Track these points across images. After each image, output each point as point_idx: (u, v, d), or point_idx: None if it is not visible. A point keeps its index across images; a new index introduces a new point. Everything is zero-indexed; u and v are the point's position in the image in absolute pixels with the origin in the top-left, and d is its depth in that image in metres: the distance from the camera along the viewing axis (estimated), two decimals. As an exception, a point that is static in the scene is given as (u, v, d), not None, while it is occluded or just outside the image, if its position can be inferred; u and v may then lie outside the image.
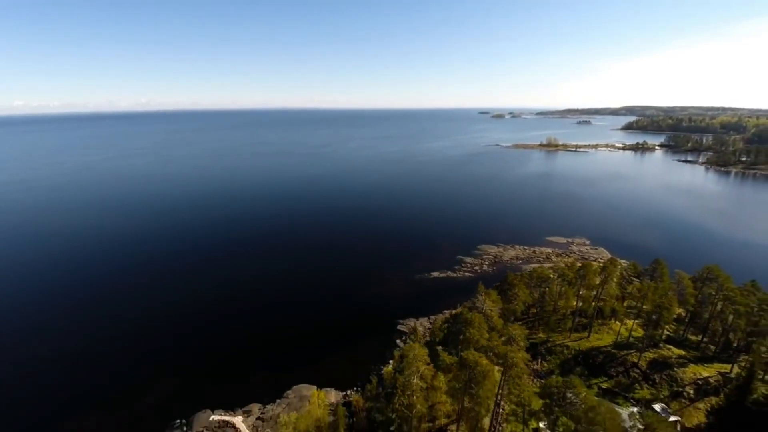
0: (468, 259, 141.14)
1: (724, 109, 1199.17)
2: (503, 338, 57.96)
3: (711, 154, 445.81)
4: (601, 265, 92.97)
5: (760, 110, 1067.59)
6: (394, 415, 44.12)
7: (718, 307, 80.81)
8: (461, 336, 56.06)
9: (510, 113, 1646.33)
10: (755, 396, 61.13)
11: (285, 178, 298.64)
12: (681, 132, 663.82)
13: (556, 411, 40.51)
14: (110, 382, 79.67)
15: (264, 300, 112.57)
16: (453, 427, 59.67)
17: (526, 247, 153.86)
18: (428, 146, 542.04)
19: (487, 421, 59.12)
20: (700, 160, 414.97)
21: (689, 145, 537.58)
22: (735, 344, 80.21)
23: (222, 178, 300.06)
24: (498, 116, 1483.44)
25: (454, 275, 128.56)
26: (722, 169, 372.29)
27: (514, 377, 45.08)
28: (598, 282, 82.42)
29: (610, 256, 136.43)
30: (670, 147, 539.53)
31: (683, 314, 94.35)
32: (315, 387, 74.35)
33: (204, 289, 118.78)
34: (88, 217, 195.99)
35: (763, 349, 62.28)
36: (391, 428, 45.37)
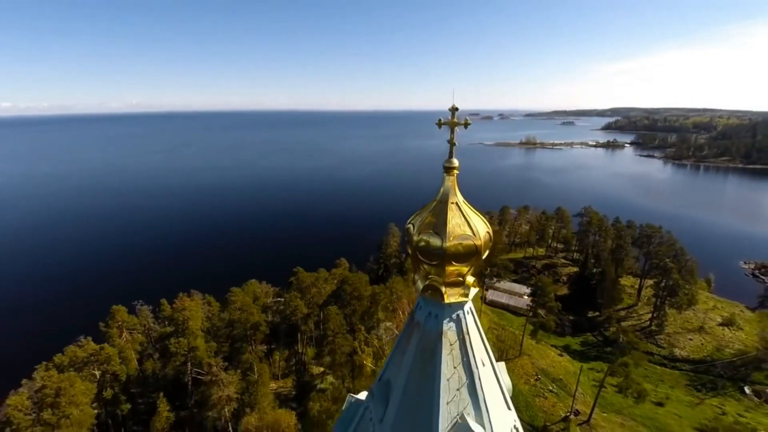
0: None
1: (705, 110, 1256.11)
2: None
3: (672, 149, 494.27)
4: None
5: (737, 111, 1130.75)
6: (381, 255, 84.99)
7: (592, 234, 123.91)
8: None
9: (499, 115, 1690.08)
10: (588, 270, 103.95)
11: (291, 169, 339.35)
12: (656, 132, 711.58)
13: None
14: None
15: (285, 244, 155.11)
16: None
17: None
18: (416, 144, 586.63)
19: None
20: (658, 155, 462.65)
21: (656, 142, 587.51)
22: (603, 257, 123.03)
23: (235, 169, 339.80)
24: (487, 118, 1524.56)
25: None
26: (677, 162, 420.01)
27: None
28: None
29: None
30: (638, 144, 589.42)
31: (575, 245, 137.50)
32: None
33: (243, 236, 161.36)
34: (128, 201, 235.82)
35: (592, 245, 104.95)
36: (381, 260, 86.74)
